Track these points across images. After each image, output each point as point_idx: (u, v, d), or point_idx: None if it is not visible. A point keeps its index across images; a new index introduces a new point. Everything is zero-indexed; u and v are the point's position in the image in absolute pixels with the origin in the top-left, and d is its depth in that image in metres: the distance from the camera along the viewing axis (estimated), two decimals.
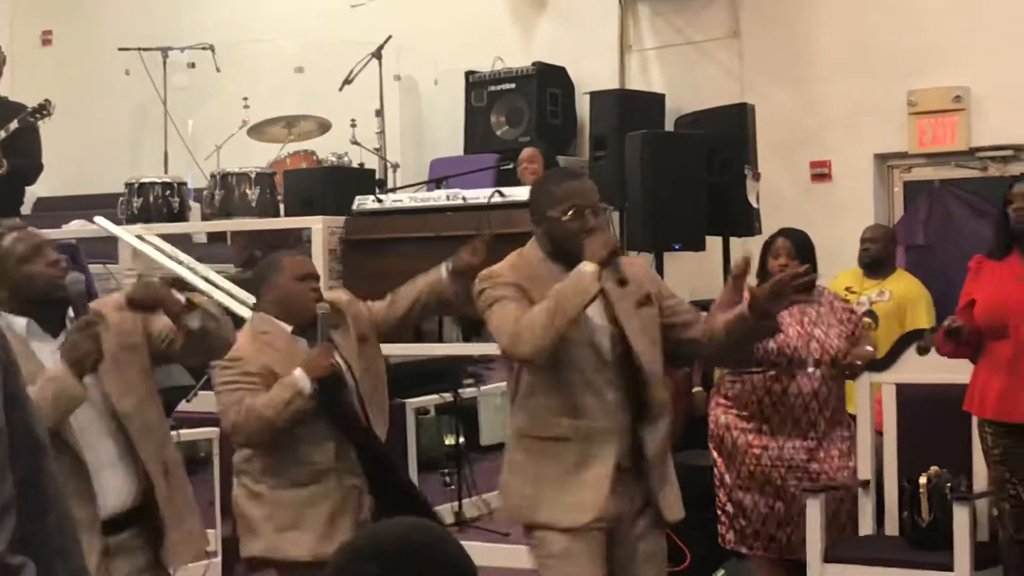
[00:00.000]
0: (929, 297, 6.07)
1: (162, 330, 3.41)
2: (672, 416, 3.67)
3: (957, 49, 7.26)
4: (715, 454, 4.90)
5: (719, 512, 4.88)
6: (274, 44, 9.17)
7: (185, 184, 7.54)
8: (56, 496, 1.60)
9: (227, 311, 4.34)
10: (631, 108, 7.46)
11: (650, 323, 3.54)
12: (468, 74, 8.47)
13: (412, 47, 8.53)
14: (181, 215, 7.37)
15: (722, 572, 5.25)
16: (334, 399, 3.74)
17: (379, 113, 8.08)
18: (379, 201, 6.43)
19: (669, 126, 7.58)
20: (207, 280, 6.58)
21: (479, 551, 5.48)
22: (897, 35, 7.43)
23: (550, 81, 8.24)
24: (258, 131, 8.28)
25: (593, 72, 8.22)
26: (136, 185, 7.28)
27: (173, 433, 3.69)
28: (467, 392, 7.50)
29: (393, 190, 7.27)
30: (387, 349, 4.11)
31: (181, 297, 3.37)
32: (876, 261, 6.11)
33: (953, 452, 4.66)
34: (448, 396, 7.04)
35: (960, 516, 4.38)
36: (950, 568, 4.38)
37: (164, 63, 8.87)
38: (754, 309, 3.42)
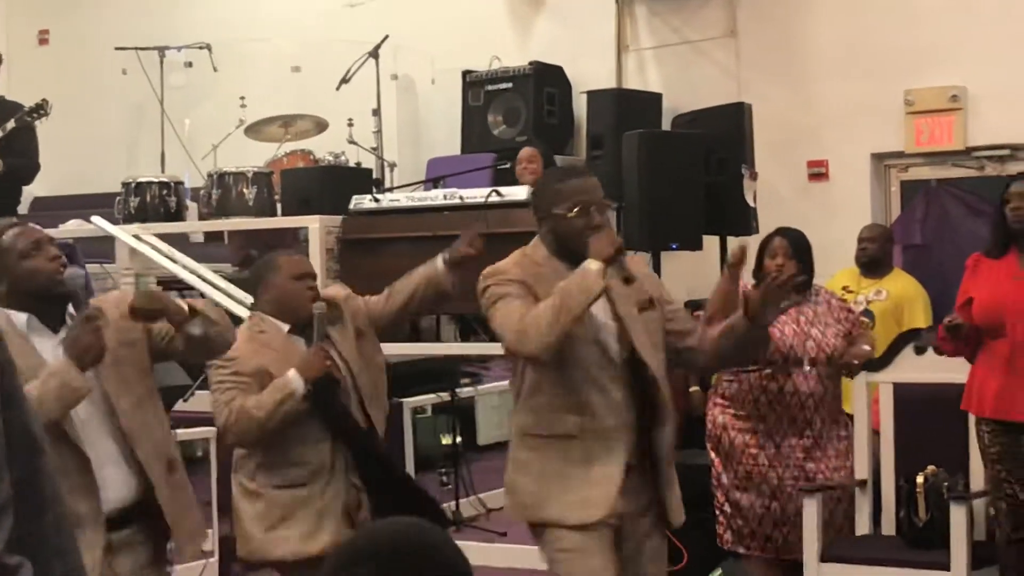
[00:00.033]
0: (926, 296, 6.07)
1: (162, 328, 3.42)
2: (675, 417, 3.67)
3: (954, 49, 7.25)
4: (712, 454, 4.89)
5: (716, 512, 4.88)
6: (271, 43, 9.15)
7: (182, 183, 7.54)
8: (53, 496, 1.60)
9: (225, 311, 4.33)
10: (628, 107, 7.45)
11: (654, 327, 3.52)
12: (465, 73, 8.46)
13: (409, 46, 8.53)
14: (178, 215, 7.37)
15: (719, 572, 5.24)
16: (328, 400, 3.73)
17: (376, 112, 8.06)
18: (376, 200, 6.42)
19: (666, 125, 7.57)
20: (204, 280, 6.58)
21: (476, 551, 5.51)
22: (894, 35, 7.42)
23: (547, 80, 8.23)
24: (255, 130, 8.28)
25: (590, 71, 8.21)
26: (133, 184, 7.28)
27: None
28: (464, 391, 7.51)
29: (390, 189, 7.27)
30: (384, 349, 4.09)
31: (183, 304, 3.38)
32: (873, 260, 6.11)
33: (950, 451, 4.66)
34: (445, 395, 7.03)
35: (957, 515, 4.38)
36: (947, 567, 4.38)
37: (161, 62, 8.86)
38: (749, 314, 3.41)
